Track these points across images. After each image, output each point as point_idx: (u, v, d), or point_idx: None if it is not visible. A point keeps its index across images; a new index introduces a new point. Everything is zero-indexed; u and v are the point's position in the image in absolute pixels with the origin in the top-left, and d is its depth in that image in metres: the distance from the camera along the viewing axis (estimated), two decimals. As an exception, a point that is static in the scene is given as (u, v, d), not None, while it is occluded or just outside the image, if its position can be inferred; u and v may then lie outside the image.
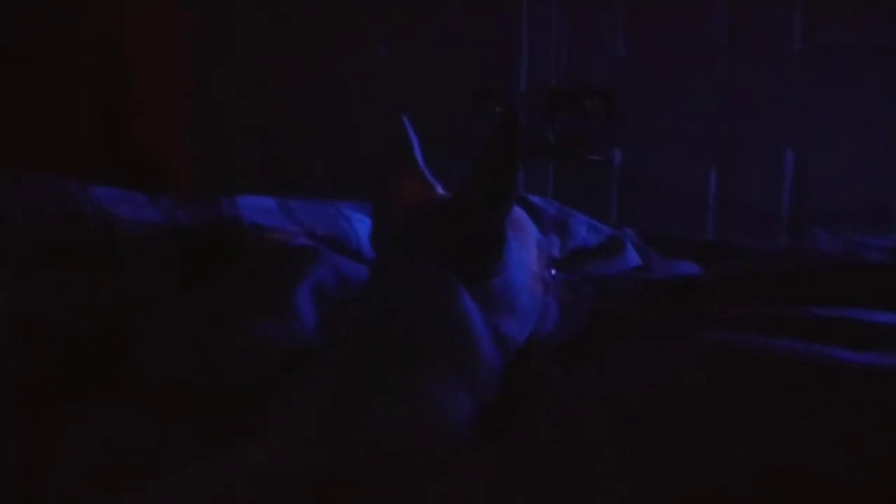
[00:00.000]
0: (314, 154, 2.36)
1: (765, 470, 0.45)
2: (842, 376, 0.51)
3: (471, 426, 0.59)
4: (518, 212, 0.89)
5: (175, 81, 2.41)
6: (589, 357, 0.67)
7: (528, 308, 0.83)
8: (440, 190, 0.89)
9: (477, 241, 0.77)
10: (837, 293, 0.81)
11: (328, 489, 0.49)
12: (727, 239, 1.78)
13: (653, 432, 0.50)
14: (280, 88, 2.37)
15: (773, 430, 0.47)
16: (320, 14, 2.34)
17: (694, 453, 0.48)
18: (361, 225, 1.12)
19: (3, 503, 0.54)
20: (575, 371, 0.67)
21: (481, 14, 2.20)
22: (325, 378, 0.63)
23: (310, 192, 1.30)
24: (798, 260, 1.15)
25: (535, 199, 1.48)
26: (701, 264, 1.26)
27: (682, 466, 0.47)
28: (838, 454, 0.45)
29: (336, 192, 1.31)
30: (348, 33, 2.31)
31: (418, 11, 2.24)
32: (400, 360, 0.62)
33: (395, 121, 0.90)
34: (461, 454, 0.54)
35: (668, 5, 2.05)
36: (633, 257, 1.38)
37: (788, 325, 0.71)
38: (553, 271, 0.97)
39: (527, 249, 0.86)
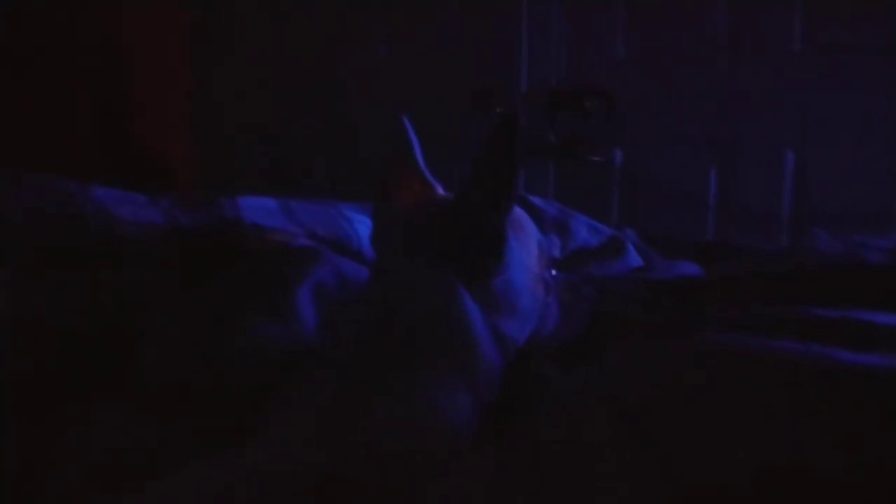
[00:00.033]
0: (314, 154, 2.36)
1: (765, 470, 0.45)
2: (842, 377, 0.51)
3: (471, 426, 0.59)
4: (518, 212, 0.89)
5: (175, 81, 2.41)
6: (589, 358, 0.67)
7: (529, 308, 0.83)
8: (440, 190, 0.89)
9: (477, 241, 0.77)
10: (838, 294, 0.81)
11: (328, 489, 0.50)
12: (727, 239, 1.77)
13: (653, 432, 0.50)
14: (280, 88, 2.37)
15: (773, 430, 0.47)
16: (320, 14, 2.33)
17: (694, 453, 0.48)
18: (362, 226, 1.12)
19: (3, 503, 0.54)
20: (575, 371, 0.67)
21: (481, 14, 2.20)
22: (325, 378, 0.63)
23: (310, 192, 1.30)
24: (798, 260, 1.15)
25: (536, 199, 1.48)
26: (701, 265, 1.26)
27: (682, 466, 0.47)
28: (838, 454, 0.45)
29: (336, 192, 1.31)
30: (348, 33, 2.31)
31: (418, 11, 2.23)
32: (400, 361, 0.62)
33: (396, 121, 0.90)
34: (461, 454, 0.54)
35: (668, 6, 2.05)
36: (633, 258, 1.38)
37: (789, 326, 0.71)
38: (553, 272, 0.97)
39: (527, 250, 0.86)
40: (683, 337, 0.71)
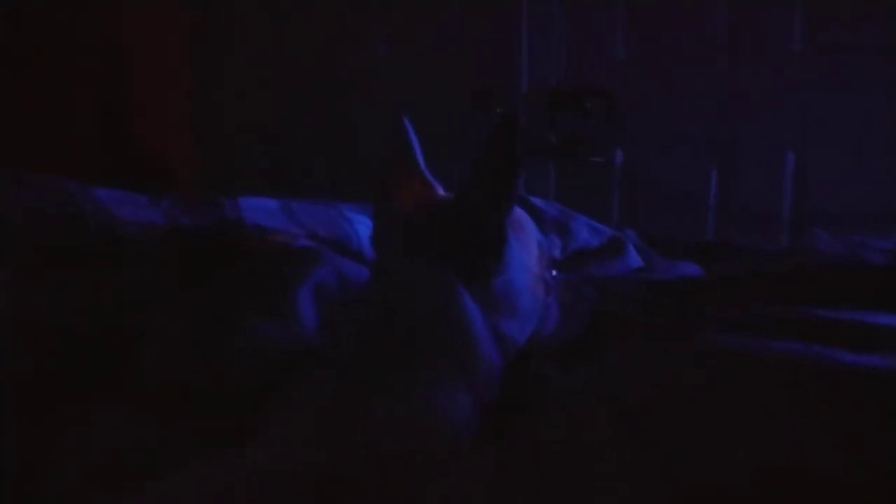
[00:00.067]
0: (314, 154, 2.36)
1: (765, 470, 0.45)
2: (842, 377, 0.51)
3: (471, 426, 0.59)
4: (519, 213, 0.89)
5: (175, 81, 2.41)
6: (590, 358, 0.68)
7: (529, 309, 0.83)
8: (441, 191, 0.89)
9: (477, 241, 0.77)
10: (838, 294, 0.81)
11: (328, 489, 0.50)
12: (728, 240, 1.77)
13: (653, 432, 0.50)
14: (280, 88, 2.37)
15: (773, 431, 0.47)
16: (320, 14, 2.33)
17: (694, 453, 0.48)
18: (363, 227, 1.12)
19: (3, 503, 0.54)
20: (575, 372, 0.67)
21: (481, 14, 2.20)
22: (326, 378, 0.63)
23: (310, 192, 1.30)
24: (798, 261, 1.15)
25: (536, 200, 1.48)
26: (702, 265, 1.26)
27: (682, 466, 0.47)
28: (838, 454, 0.45)
29: (336, 193, 1.31)
30: (348, 33, 2.31)
31: (418, 11, 2.23)
32: (400, 361, 0.62)
33: (396, 121, 0.90)
34: (461, 454, 0.54)
35: (669, 6, 2.05)
36: (634, 258, 1.38)
37: (789, 327, 0.71)
38: (554, 272, 0.97)
39: (528, 250, 0.86)
40: (684, 337, 0.71)
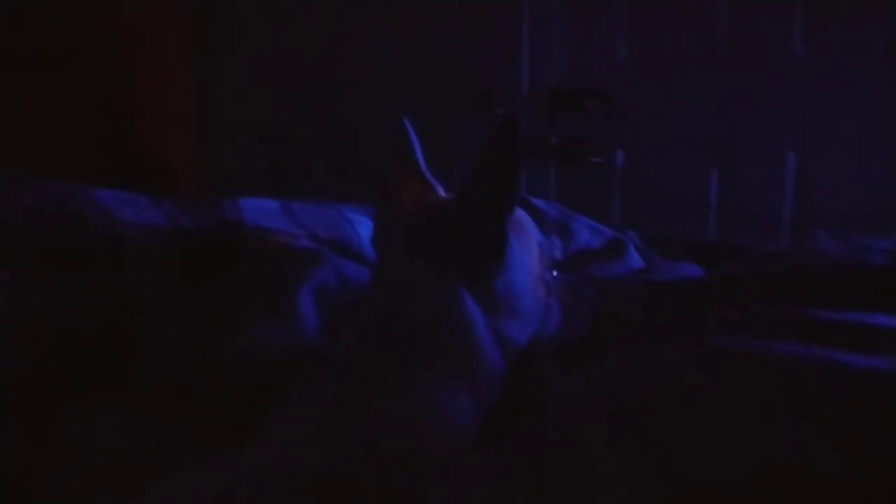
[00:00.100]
0: (314, 154, 2.36)
1: (765, 470, 0.45)
2: (842, 378, 0.51)
3: (472, 428, 0.59)
4: (520, 213, 0.89)
5: (175, 81, 2.41)
6: (591, 359, 0.67)
7: (530, 310, 0.83)
8: (441, 192, 0.89)
9: (478, 242, 0.77)
10: (839, 295, 0.81)
11: (328, 489, 0.50)
12: (729, 240, 1.77)
13: (653, 432, 0.50)
14: (280, 88, 2.37)
15: (773, 431, 0.47)
16: (320, 14, 2.34)
17: (694, 453, 0.48)
18: (364, 228, 1.12)
19: (3, 503, 0.54)
20: (576, 373, 0.67)
21: (482, 14, 2.20)
22: (326, 379, 0.63)
23: (310, 192, 1.30)
24: (799, 261, 1.15)
25: (537, 201, 1.48)
26: (703, 266, 1.26)
27: (682, 466, 0.47)
28: (838, 454, 0.45)
29: (336, 193, 1.31)
30: (348, 33, 2.31)
31: (419, 11, 2.23)
32: (401, 362, 0.62)
33: (396, 122, 0.90)
34: (462, 455, 0.54)
35: (669, 7, 2.05)
36: (635, 259, 1.38)
37: (790, 327, 0.71)
38: (555, 273, 0.97)
39: (528, 251, 0.86)
40: (684, 338, 0.71)
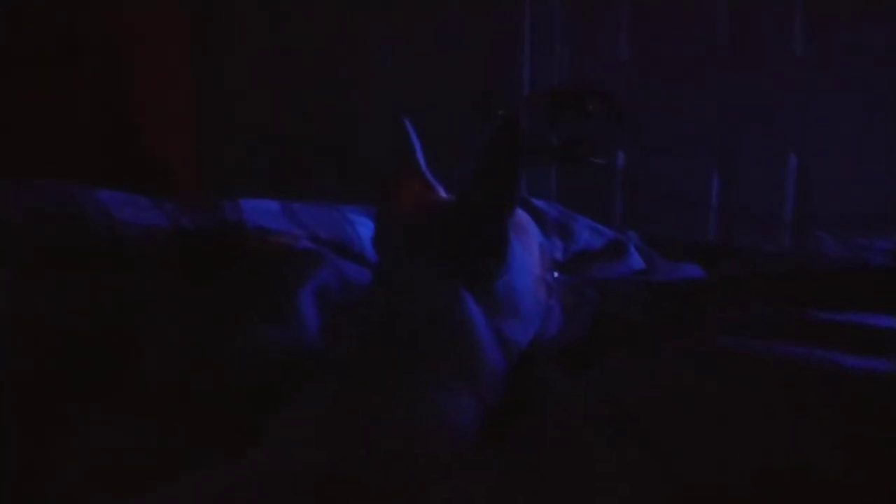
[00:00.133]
0: (314, 154, 2.36)
1: (765, 470, 0.45)
2: (843, 379, 0.51)
3: (474, 429, 0.59)
4: (521, 214, 0.89)
5: (175, 82, 2.41)
6: (592, 360, 0.67)
7: (531, 311, 0.83)
8: (442, 192, 0.89)
9: (479, 243, 0.77)
10: (840, 296, 0.81)
11: (328, 489, 0.49)
12: (729, 241, 1.77)
13: (653, 432, 0.50)
14: (280, 88, 2.37)
15: (773, 431, 0.47)
16: (320, 14, 2.33)
17: (694, 453, 0.48)
18: (365, 229, 1.12)
19: (3, 503, 0.54)
20: (577, 373, 0.67)
21: (483, 14, 2.20)
22: (327, 379, 0.63)
23: (310, 192, 1.30)
24: (800, 262, 1.15)
25: (538, 201, 1.48)
26: (703, 267, 1.26)
27: (682, 466, 0.47)
28: (838, 454, 0.45)
29: (337, 193, 1.31)
30: (348, 33, 2.31)
31: (419, 12, 2.23)
32: (402, 363, 0.62)
33: (397, 123, 0.90)
34: (464, 456, 0.54)
35: (671, 8, 2.05)
36: (635, 260, 1.38)
37: (790, 328, 0.71)
38: (556, 274, 0.97)
39: (529, 252, 0.86)
40: (684, 338, 0.71)
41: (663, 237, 1.56)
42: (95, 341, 0.73)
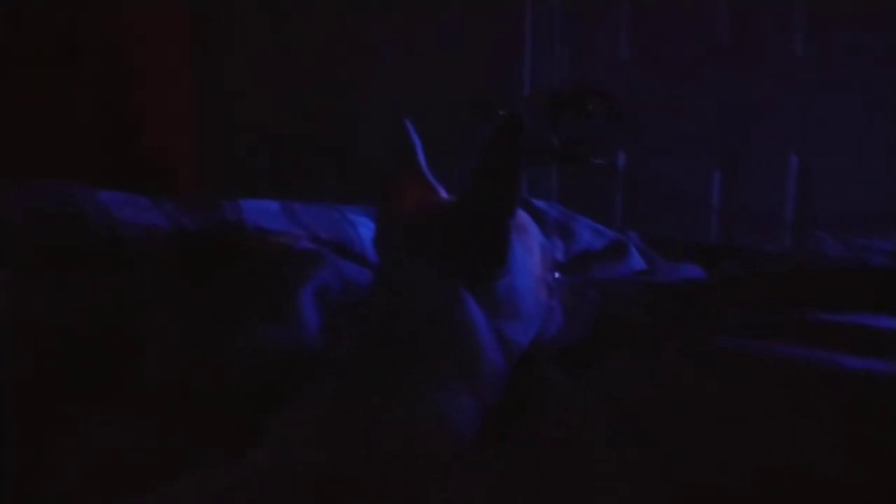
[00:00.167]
0: (315, 155, 2.36)
1: (765, 470, 0.45)
2: (843, 380, 0.51)
3: (474, 429, 0.59)
4: (521, 215, 0.88)
5: (175, 82, 2.41)
6: (592, 360, 0.67)
7: (532, 312, 0.83)
8: (443, 193, 0.89)
9: (480, 243, 0.77)
10: (840, 297, 0.81)
11: (328, 489, 0.49)
12: (730, 242, 1.77)
13: (653, 432, 0.50)
14: (280, 88, 2.37)
15: (773, 431, 0.47)
16: (320, 14, 2.33)
17: (694, 453, 0.48)
18: (365, 229, 1.12)
19: (3, 503, 0.54)
20: (577, 374, 0.67)
21: (484, 15, 2.20)
22: (327, 379, 0.63)
23: (310, 192, 1.30)
24: (801, 263, 1.15)
25: (539, 202, 1.48)
26: (704, 267, 1.26)
27: (682, 466, 0.47)
28: (838, 454, 0.45)
29: (337, 193, 1.31)
30: (348, 34, 2.31)
31: (419, 12, 2.23)
32: (403, 363, 0.62)
33: (397, 123, 0.90)
34: (464, 457, 0.54)
35: (671, 8, 2.05)
36: (636, 261, 1.37)
37: (791, 329, 0.71)
38: (556, 275, 0.96)
39: (530, 253, 0.86)
40: (685, 339, 0.71)
41: (664, 237, 1.55)
42: (95, 341, 0.73)
